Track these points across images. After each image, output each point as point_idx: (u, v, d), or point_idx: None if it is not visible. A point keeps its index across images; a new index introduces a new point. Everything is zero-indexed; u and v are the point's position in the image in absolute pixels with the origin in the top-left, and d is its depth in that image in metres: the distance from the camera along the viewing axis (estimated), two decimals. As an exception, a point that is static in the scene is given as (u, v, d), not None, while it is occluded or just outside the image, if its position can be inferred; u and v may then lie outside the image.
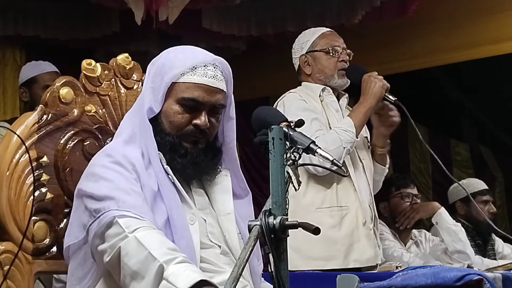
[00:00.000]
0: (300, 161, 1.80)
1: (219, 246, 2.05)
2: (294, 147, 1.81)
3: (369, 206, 3.30)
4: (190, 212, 2.02)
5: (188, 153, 2.04)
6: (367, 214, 3.26)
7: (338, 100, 3.40)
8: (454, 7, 5.01)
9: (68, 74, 2.31)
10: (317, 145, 1.86)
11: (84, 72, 2.29)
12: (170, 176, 2.02)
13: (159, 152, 2.04)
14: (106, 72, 2.33)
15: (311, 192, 3.19)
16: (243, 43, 5.41)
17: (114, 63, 2.36)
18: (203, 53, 2.11)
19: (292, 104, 3.23)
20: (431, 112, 7.05)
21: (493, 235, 4.71)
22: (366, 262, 3.21)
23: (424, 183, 7.30)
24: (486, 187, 4.88)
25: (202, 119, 2.04)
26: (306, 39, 3.43)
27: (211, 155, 2.08)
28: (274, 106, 3.30)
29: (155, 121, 2.06)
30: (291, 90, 3.37)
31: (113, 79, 2.34)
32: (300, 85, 3.42)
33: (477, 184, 4.86)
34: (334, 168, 1.94)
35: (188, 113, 2.05)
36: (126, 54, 2.39)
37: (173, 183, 2.02)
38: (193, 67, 2.05)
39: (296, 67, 3.45)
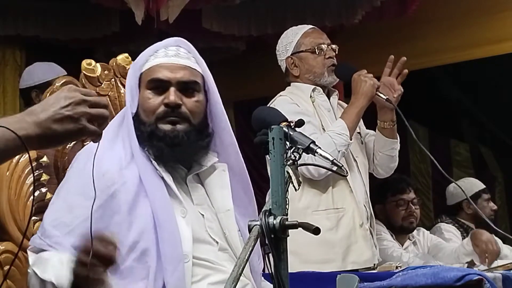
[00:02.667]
0: (300, 161, 1.80)
1: (217, 242, 2.05)
2: (294, 147, 1.81)
3: (365, 205, 3.28)
4: (180, 205, 2.01)
5: (166, 135, 2.02)
6: (363, 214, 3.24)
7: (329, 98, 3.37)
8: (454, 7, 5.01)
9: (68, 74, 2.32)
10: (317, 145, 1.86)
11: (84, 72, 2.30)
12: (158, 171, 2.01)
13: (145, 149, 2.03)
14: (106, 72, 2.33)
15: (307, 195, 3.17)
16: (243, 43, 5.41)
17: (114, 63, 2.36)
18: (167, 39, 2.14)
19: (283, 108, 3.17)
20: (431, 112, 7.04)
21: (492, 235, 4.71)
22: (364, 264, 3.20)
23: (424, 183, 7.30)
24: (484, 186, 4.88)
25: (170, 97, 2.03)
26: (289, 40, 3.38)
27: (194, 135, 2.05)
28: None
29: (135, 117, 2.07)
30: (281, 93, 3.33)
31: (113, 79, 2.34)
32: (289, 85, 3.40)
33: (478, 183, 4.87)
34: (335, 168, 1.94)
35: (158, 94, 2.06)
36: (126, 54, 2.39)
37: (162, 178, 2.01)
38: (155, 51, 2.09)
39: (283, 69, 3.40)
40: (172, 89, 2.04)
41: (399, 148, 3.42)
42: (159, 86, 2.05)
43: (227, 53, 5.52)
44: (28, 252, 1.94)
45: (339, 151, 3.08)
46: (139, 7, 3.85)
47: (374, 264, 3.28)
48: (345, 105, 3.40)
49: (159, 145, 2.01)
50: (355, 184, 3.23)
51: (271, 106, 3.25)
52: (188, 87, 2.07)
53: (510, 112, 6.70)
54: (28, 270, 1.91)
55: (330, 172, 3.06)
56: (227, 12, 4.94)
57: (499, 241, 4.67)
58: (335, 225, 3.16)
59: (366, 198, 3.32)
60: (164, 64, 2.07)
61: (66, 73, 3.93)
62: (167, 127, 2.03)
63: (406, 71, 3.30)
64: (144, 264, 1.93)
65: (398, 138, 3.40)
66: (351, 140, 3.15)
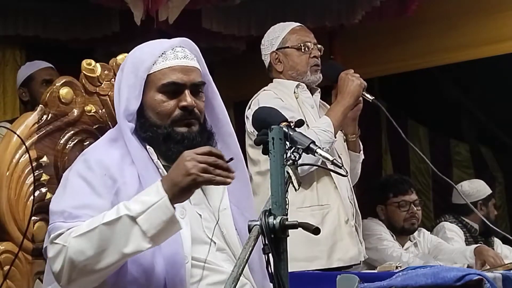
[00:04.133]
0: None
1: (215, 243, 2.04)
2: (294, 147, 1.81)
3: (350, 202, 3.28)
4: (179, 206, 1.99)
5: (184, 138, 2.03)
6: (348, 211, 3.24)
7: (312, 95, 3.38)
8: (453, 7, 5.00)
9: (68, 74, 2.31)
10: (317, 145, 1.87)
11: (84, 72, 2.29)
12: (160, 171, 2.02)
13: (149, 147, 2.04)
14: (106, 72, 2.33)
15: (291, 192, 3.14)
16: (243, 43, 5.40)
17: (114, 63, 2.36)
18: (167, 40, 2.14)
19: (267, 103, 3.19)
20: (431, 112, 7.04)
21: (493, 236, 4.71)
22: (350, 261, 3.20)
23: (424, 183, 7.28)
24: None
25: (188, 100, 2.04)
26: (276, 35, 3.38)
27: (206, 136, 2.07)
28: (248, 104, 3.28)
29: (142, 118, 2.06)
30: (265, 88, 3.34)
31: (113, 79, 2.34)
32: (272, 81, 3.39)
33: (487, 186, 4.86)
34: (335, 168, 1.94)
35: (172, 98, 2.05)
36: (126, 54, 2.39)
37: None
38: (162, 53, 2.08)
39: (267, 63, 3.41)
40: (187, 92, 2.05)
41: (360, 163, 3.40)
42: (173, 89, 2.05)
43: (227, 53, 5.51)
44: (52, 242, 1.90)
45: (322, 148, 3.07)
46: (138, 8, 3.85)
47: (360, 262, 3.28)
48: (328, 104, 3.40)
49: (177, 148, 2.01)
50: (339, 181, 3.22)
51: (254, 100, 3.27)
52: (198, 89, 2.09)
53: (510, 112, 6.69)
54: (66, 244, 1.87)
55: (312, 169, 3.07)
56: (227, 12, 4.93)
57: (499, 242, 4.67)
58: (320, 222, 3.15)
59: (352, 195, 3.31)
60: (177, 66, 2.06)
61: (49, 65, 3.98)
62: (183, 129, 2.05)
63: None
64: (141, 266, 1.93)
65: (361, 152, 3.40)
66: (335, 138, 3.15)
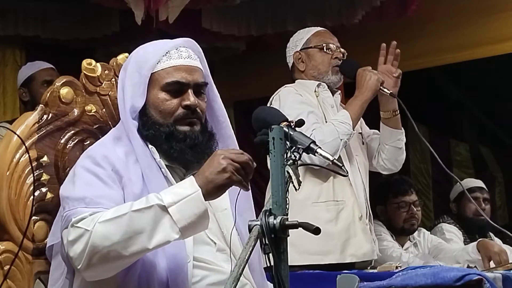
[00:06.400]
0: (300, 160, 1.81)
1: (215, 243, 2.05)
2: (294, 147, 1.81)
3: (365, 202, 3.30)
4: None
5: (187, 136, 2.05)
6: (362, 208, 3.26)
7: (332, 96, 3.40)
8: (454, 7, 5.00)
9: (68, 74, 2.31)
10: (317, 145, 1.86)
11: (85, 72, 2.29)
12: (163, 170, 2.02)
13: (151, 146, 2.04)
14: (106, 71, 2.33)
15: (308, 186, 3.17)
16: (243, 43, 5.41)
17: (114, 63, 2.36)
18: (170, 40, 2.15)
19: (287, 98, 3.23)
20: (431, 112, 7.05)
21: (492, 235, 4.70)
22: (363, 257, 3.21)
23: (424, 183, 7.30)
24: (479, 185, 4.84)
25: (191, 99, 2.06)
26: (300, 37, 3.44)
27: (207, 136, 2.09)
28: (270, 101, 3.31)
29: (144, 116, 2.07)
30: (286, 85, 3.37)
31: (113, 79, 2.34)
32: (294, 82, 3.43)
33: (467, 182, 4.86)
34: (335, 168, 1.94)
35: (175, 97, 2.07)
36: (126, 54, 2.39)
37: (166, 177, 2.02)
38: (166, 52, 2.09)
39: (290, 64, 3.46)
40: (190, 91, 2.07)
41: (405, 140, 3.42)
42: (177, 88, 2.07)
43: (227, 53, 5.52)
44: (73, 225, 1.88)
45: (341, 140, 3.09)
46: (139, 7, 3.85)
47: (372, 261, 3.29)
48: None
49: (179, 146, 2.03)
50: (355, 178, 3.26)
51: (275, 96, 3.31)
52: (200, 89, 2.10)
53: (510, 112, 6.70)
54: (89, 229, 1.85)
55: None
56: (227, 12, 4.93)
57: (499, 241, 4.67)
58: (335, 217, 3.18)
59: (365, 195, 3.33)
60: (181, 66, 2.08)
61: (50, 65, 4.00)
62: (186, 128, 2.06)
63: (398, 50, 3.32)
64: (144, 265, 1.93)
65: (403, 130, 3.41)
66: (353, 130, 3.17)
